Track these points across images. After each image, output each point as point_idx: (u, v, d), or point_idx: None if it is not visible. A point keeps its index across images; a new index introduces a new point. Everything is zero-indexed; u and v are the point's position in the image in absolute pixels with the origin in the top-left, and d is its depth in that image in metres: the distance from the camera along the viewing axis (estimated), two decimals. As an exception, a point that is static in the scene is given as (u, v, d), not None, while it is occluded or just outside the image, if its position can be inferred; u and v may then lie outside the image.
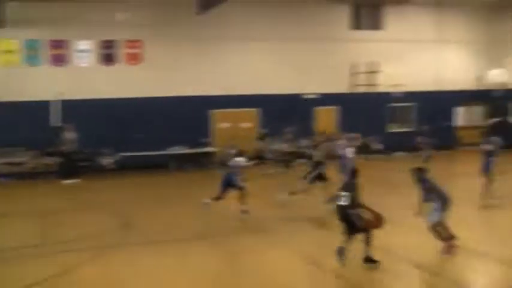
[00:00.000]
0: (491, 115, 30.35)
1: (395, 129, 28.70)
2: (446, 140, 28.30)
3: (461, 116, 30.66)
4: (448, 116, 29.64)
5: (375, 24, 28.40)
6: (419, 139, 23.06)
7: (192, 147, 24.73)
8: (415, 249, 11.47)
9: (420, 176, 11.05)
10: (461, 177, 21.61)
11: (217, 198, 14.94)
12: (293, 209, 15.65)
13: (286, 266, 10.96)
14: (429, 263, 10.85)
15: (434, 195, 10.89)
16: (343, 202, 10.34)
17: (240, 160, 15.43)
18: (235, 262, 11.61)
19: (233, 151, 16.84)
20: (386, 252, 11.00)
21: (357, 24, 28.13)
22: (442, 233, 10.97)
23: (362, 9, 28.15)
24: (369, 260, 10.36)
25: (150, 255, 11.77)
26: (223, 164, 17.14)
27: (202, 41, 25.08)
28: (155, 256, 11.71)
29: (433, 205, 10.92)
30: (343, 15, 27.82)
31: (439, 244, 11.20)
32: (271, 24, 26.14)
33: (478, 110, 31.22)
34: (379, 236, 10.65)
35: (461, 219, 13.13)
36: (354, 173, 10.75)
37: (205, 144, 24.92)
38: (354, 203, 10.29)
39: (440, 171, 17.50)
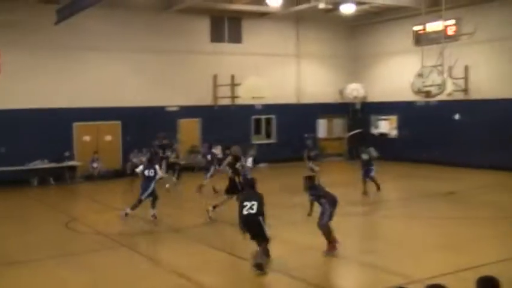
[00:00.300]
0: (350, 127, 34.41)
1: (258, 140, 31.17)
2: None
3: (322, 128, 34.58)
4: (309, 128, 33.08)
5: (235, 37, 31.06)
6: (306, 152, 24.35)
7: (54, 161, 25.77)
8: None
9: (310, 183, 13.29)
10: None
11: (135, 207, 17.14)
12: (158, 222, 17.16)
13: (156, 281, 11.55)
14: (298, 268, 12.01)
15: (323, 200, 12.91)
16: (251, 210, 11.55)
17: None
18: (100, 278, 11.85)
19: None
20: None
21: (218, 37, 30.55)
22: (328, 234, 12.81)
23: (221, 22, 30.62)
24: (260, 267, 11.39)
25: (8, 276, 11.91)
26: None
27: (62, 51, 26.15)
28: (14, 277, 11.91)
29: (322, 208, 12.90)
30: (203, 27, 30.14)
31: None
32: (131, 35, 27.78)
33: (339, 122, 35.48)
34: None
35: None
36: (254, 182, 12.48)
37: (68, 158, 26.03)
38: (261, 211, 11.69)
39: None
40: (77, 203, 21.95)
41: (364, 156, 21.24)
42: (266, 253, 11.69)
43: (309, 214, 13.50)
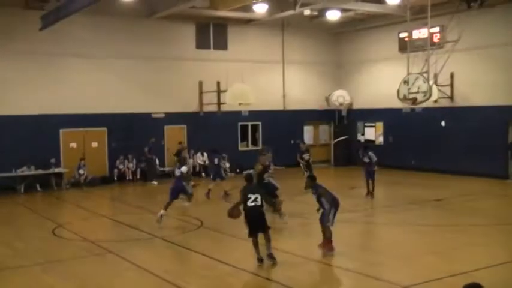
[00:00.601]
0: (336, 134, 34.67)
1: (245, 147, 31.86)
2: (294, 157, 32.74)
3: (308, 134, 34.68)
4: (295, 134, 32.78)
5: (221, 44, 31.13)
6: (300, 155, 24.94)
7: (40, 167, 25.65)
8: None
9: (311, 182, 13.85)
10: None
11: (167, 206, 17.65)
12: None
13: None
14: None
15: (323, 199, 13.46)
16: (256, 202, 12.53)
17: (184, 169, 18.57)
18: (87, 284, 11.88)
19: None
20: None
21: (203, 43, 30.59)
22: (327, 233, 13.52)
23: (207, 29, 30.65)
24: (272, 257, 12.53)
25: None
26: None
27: (47, 58, 26.14)
28: (1, 283, 11.92)
29: (321, 208, 13.55)
30: (189, 34, 30.22)
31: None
32: (117, 42, 27.87)
33: (325, 128, 35.78)
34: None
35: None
36: (251, 177, 13.76)
37: (54, 165, 25.86)
38: (267, 201, 13.29)
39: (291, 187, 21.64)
40: (63, 210, 21.88)
41: (366, 160, 22.27)
42: (270, 239, 12.79)
43: (318, 210, 13.91)
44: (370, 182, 22.08)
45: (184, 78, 29.89)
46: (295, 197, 20.85)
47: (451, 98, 28.56)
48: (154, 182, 27.46)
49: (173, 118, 29.77)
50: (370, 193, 22.08)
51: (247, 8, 28.57)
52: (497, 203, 21.71)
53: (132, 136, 28.19)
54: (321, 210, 13.62)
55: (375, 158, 22.15)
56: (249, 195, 12.59)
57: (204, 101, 30.45)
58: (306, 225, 17.30)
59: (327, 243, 13.59)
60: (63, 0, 22.30)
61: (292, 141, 31.37)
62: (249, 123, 32.44)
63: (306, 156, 24.58)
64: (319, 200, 13.61)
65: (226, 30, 31.56)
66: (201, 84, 30.31)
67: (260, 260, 12.55)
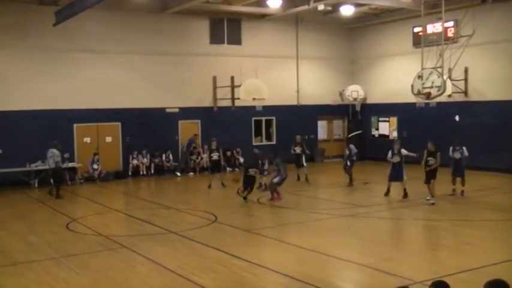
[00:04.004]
0: (350, 129, 34.44)
1: (259, 142, 31.87)
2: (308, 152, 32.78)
3: (322, 129, 34.89)
4: (309, 129, 33.33)
5: (235, 39, 31.13)
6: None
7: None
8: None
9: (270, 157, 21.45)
10: (328, 187, 25.34)
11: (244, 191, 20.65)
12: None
13: (156, 282, 11.56)
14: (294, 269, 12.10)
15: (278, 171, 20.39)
16: (254, 173, 20.54)
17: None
18: (101, 279, 11.84)
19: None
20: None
21: (217, 38, 30.61)
22: (273, 190, 20.23)
23: (221, 24, 30.71)
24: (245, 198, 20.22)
25: (10, 277, 12.02)
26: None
27: (61, 53, 26.30)
28: (16, 277, 11.99)
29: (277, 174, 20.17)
30: (203, 29, 30.25)
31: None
32: (131, 37, 27.92)
33: (339, 123, 35.84)
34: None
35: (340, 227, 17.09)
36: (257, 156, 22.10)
37: (68, 160, 25.78)
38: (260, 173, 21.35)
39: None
40: (77, 205, 21.94)
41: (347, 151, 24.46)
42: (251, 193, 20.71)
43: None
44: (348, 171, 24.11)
45: (198, 74, 29.93)
46: (304, 192, 20.85)
47: (465, 92, 28.41)
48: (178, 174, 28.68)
49: (187, 113, 29.85)
50: (349, 182, 24.02)
51: (261, 3, 28.55)
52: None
53: (146, 131, 28.30)
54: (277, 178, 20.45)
55: (355, 150, 24.10)
56: (250, 170, 20.61)
57: (218, 96, 30.47)
58: (316, 220, 17.33)
59: (274, 196, 20.35)
60: (77, -4, 22.34)
61: (306, 137, 31.42)
62: (263, 118, 32.42)
63: (297, 149, 25.46)
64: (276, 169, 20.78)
65: (240, 25, 31.54)
66: (215, 79, 30.32)
67: (244, 198, 20.38)
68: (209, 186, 23.95)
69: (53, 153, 22.62)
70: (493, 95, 27.20)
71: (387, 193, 21.09)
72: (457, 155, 21.30)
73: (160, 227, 16.74)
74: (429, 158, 20.01)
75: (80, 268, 12.58)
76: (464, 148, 21.09)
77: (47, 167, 23.45)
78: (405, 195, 20.64)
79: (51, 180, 23.04)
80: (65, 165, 25.27)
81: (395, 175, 20.88)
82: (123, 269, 12.56)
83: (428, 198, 19.65)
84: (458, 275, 11.12)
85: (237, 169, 29.12)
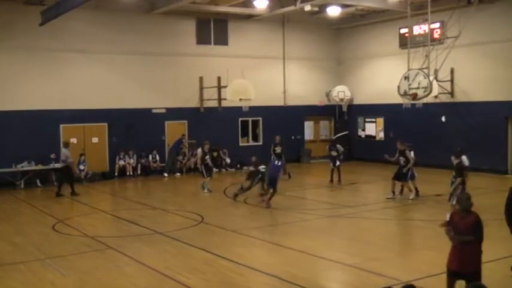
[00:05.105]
0: (337, 129, 34.46)
1: (246, 143, 32.02)
2: (295, 153, 32.83)
3: (309, 130, 34.85)
4: (296, 130, 33.57)
5: (221, 39, 31.10)
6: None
7: (41, 163, 25.68)
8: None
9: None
10: (314, 188, 25.58)
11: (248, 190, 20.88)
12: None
13: (142, 283, 11.55)
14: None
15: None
16: (263, 169, 20.37)
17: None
18: (87, 280, 11.81)
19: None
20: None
21: (203, 39, 30.55)
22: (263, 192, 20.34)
23: (207, 24, 30.63)
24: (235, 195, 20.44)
25: None
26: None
27: (46, 53, 26.14)
28: (2, 279, 11.89)
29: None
30: (189, 29, 30.20)
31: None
32: (117, 37, 27.83)
33: (326, 124, 35.82)
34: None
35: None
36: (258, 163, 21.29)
37: (54, 160, 25.61)
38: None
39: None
40: (63, 205, 21.83)
41: (333, 153, 25.06)
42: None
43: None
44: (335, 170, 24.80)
45: (184, 74, 29.91)
46: (295, 192, 20.87)
47: (451, 93, 28.58)
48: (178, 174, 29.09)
49: (174, 114, 29.81)
50: (338, 180, 24.64)
51: (248, 4, 28.61)
52: (497, 198, 21.62)
53: (132, 131, 28.23)
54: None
55: (341, 149, 25.35)
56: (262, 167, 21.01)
57: (204, 96, 30.44)
58: (304, 221, 17.38)
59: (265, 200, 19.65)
60: (63, -4, 22.24)
61: (292, 137, 31.67)
62: (250, 119, 32.42)
63: (277, 149, 25.87)
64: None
65: (227, 26, 31.53)
66: (201, 79, 30.28)
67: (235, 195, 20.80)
68: (209, 190, 23.21)
69: (62, 153, 22.97)
70: (479, 96, 27.38)
71: (393, 192, 21.13)
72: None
73: (147, 228, 16.74)
74: (400, 158, 20.13)
75: (66, 269, 12.57)
76: (463, 157, 20.94)
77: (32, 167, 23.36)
78: (416, 193, 21.01)
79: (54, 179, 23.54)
80: (51, 166, 25.34)
81: (397, 175, 20.98)
82: (110, 270, 12.54)
83: (394, 195, 20.80)
84: (444, 275, 11.16)
85: (223, 170, 29.16)
